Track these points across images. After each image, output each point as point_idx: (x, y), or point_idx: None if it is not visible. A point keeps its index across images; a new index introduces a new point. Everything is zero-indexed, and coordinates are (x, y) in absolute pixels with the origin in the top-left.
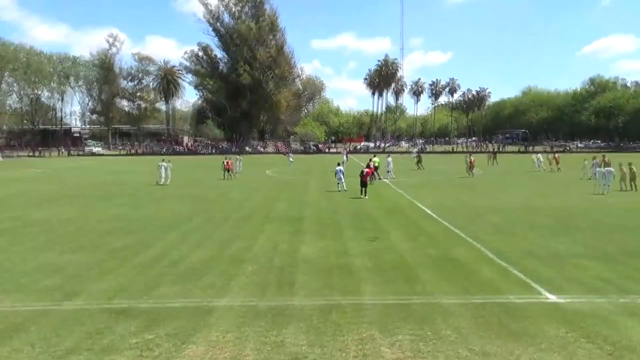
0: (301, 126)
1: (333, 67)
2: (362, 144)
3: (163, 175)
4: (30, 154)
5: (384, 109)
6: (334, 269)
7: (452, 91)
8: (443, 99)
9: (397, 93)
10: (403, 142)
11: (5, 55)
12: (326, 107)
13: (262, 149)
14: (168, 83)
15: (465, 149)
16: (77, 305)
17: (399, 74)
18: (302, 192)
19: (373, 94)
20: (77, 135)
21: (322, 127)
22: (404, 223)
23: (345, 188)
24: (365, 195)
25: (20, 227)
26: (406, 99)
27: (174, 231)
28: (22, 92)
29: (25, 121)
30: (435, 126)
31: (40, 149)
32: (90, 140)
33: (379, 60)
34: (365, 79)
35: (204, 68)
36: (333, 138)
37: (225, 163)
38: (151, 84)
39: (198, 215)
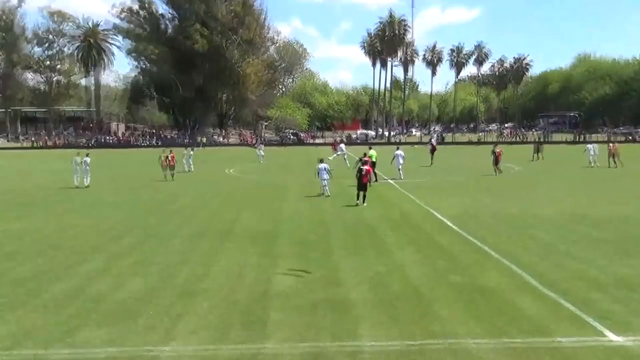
0: (276, 109)
1: (319, 28)
2: (359, 132)
3: (79, 173)
4: None
5: (388, 84)
6: (320, 304)
7: (480, 61)
8: (468, 70)
9: (407, 63)
10: (414, 130)
11: None
12: (310, 82)
13: (222, 140)
14: (91, 49)
15: (497, 139)
16: None
17: (408, 37)
18: (276, 198)
19: (373, 64)
20: None
21: (304, 110)
22: (416, 239)
23: (328, 192)
24: (363, 202)
25: None
26: (418, 71)
27: (100, 253)
28: None
29: None
30: (457, 108)
31: None
32: None
33: (380, 18)
34: (363, 44)
35: (143, 29)
36: (319, 124)
37: (163, 158)
38: (68, 49)
39: (132, 230)
